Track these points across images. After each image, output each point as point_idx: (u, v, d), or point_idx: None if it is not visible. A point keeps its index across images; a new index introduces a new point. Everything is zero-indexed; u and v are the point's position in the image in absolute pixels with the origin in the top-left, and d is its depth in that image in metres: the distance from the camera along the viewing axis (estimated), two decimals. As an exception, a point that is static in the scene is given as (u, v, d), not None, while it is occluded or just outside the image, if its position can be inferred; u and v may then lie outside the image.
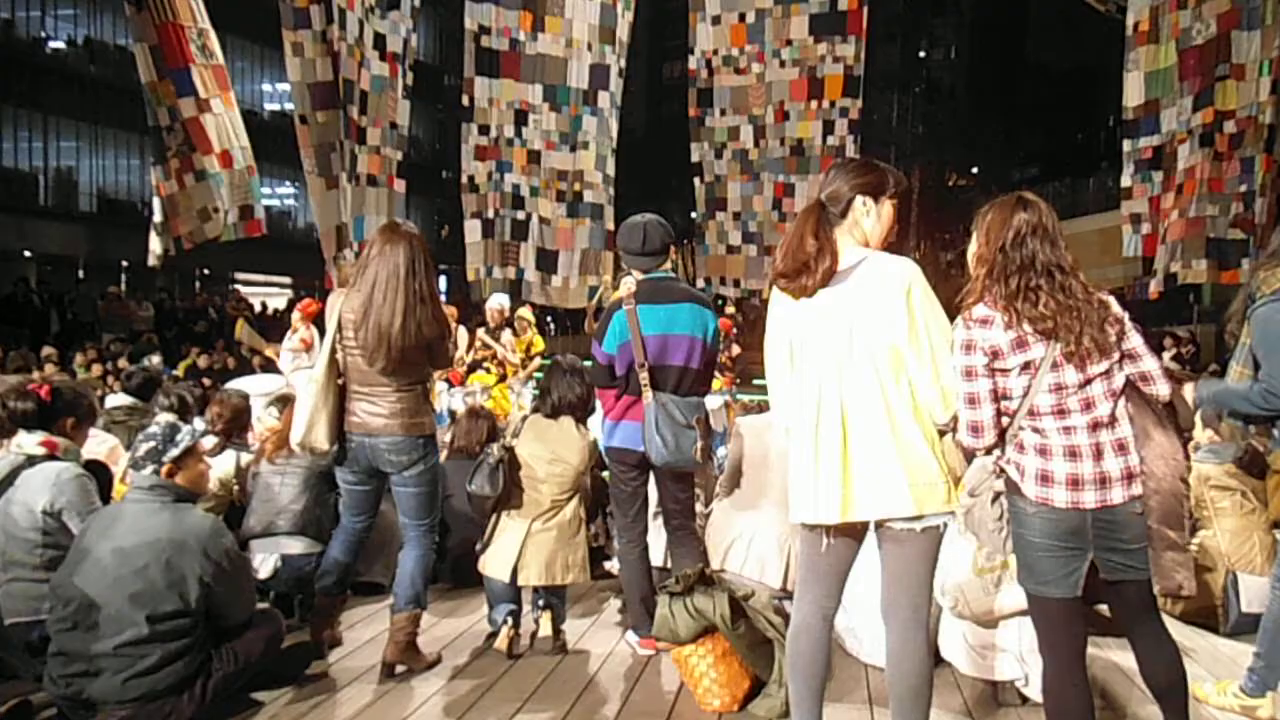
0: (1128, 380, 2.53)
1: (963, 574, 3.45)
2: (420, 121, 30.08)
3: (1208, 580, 4.18)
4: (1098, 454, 2.47)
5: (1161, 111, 9.54)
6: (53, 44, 23.69)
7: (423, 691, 3.62)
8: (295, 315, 8.56)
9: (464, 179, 11.71)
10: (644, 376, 3.77)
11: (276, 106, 27.42)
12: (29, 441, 3.65)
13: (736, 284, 13.34)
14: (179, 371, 12.28)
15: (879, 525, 2.61)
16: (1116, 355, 2.50)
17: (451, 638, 4.21)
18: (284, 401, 4.88)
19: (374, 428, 3.62)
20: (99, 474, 3.77)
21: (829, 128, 12.53)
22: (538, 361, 9.25)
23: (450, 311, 9.07)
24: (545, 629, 4.01)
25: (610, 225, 11.87)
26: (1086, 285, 2.52)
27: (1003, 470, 2.59)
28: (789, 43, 12.52)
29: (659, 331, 3.80)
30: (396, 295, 3.51)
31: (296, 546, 4.36)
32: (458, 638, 4.22)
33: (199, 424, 3.61)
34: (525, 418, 4.24)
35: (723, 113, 12.99)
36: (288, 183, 28.46)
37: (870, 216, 2.66)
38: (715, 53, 12.86)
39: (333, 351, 3.64)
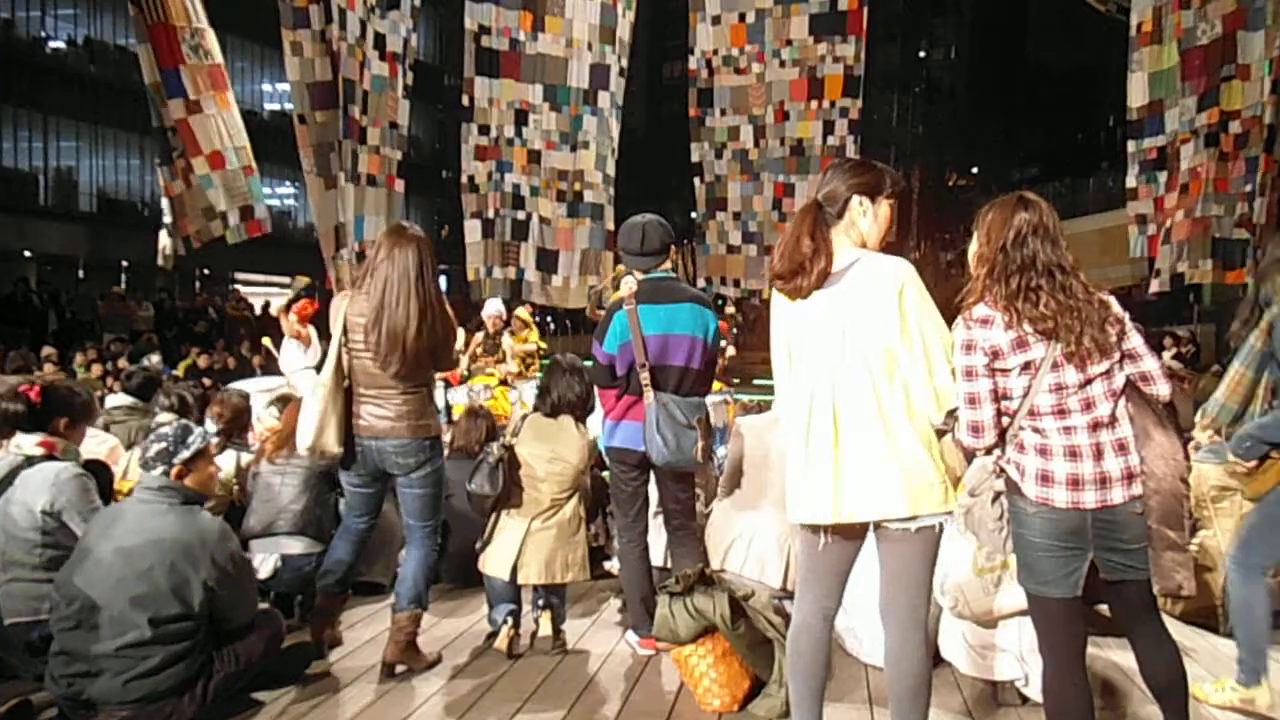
0: (1128, 380, 2.52)
1: (963, 574, 3.44)
2: (420, 121, 30.09)
3: (1207, 580, 4.17)
4: (1098, 454, 2.47)
5: (1165, 112, 9.54)
6: (53, 44, 23.69)
7: (423, 691, 3.62)
8: (293, 318, 8.53)
9: (464, 179, 11.71)
10: (645, 376, 3.77)
11: (276, 106, 27.42)
12: (27, 442, 3.65)
13: (737, 284, 13.35)
14: (179, 371, 12.27)
15: (877, 526, 2.61)
16: (1117, 355, 2.50)
17: (451, 638, 4.21)
18: (284, 401, 4.88)
19: (381, 430, 3.62)
20: (99, 474, 3.77)
21: (829, 128, 12.53)
22: (538, 361, 9.25)
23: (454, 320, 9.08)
24: (545, 629, 4.01)
25: (610, 225, 11.87)
26: (1087, 285, 2.52)
27: (1003, 470, 2.59)
28: (789, 43, 12.52)
29: (660, 331, 3.80)
30: (410, 299, 3.51)
31: (297, 546, 4.36)
32: (458, 638, 4.22)
33: (210, 426, 3.60)
34: (525, 416, 4.25)
35: (723, 113, 12.99)
36: (288, 183, 28.46)
37: (867, 217, 2.66)
38: (715, 53, 12.86)
39: (339, 355, 3.64)
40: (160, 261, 8.66)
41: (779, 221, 12.74)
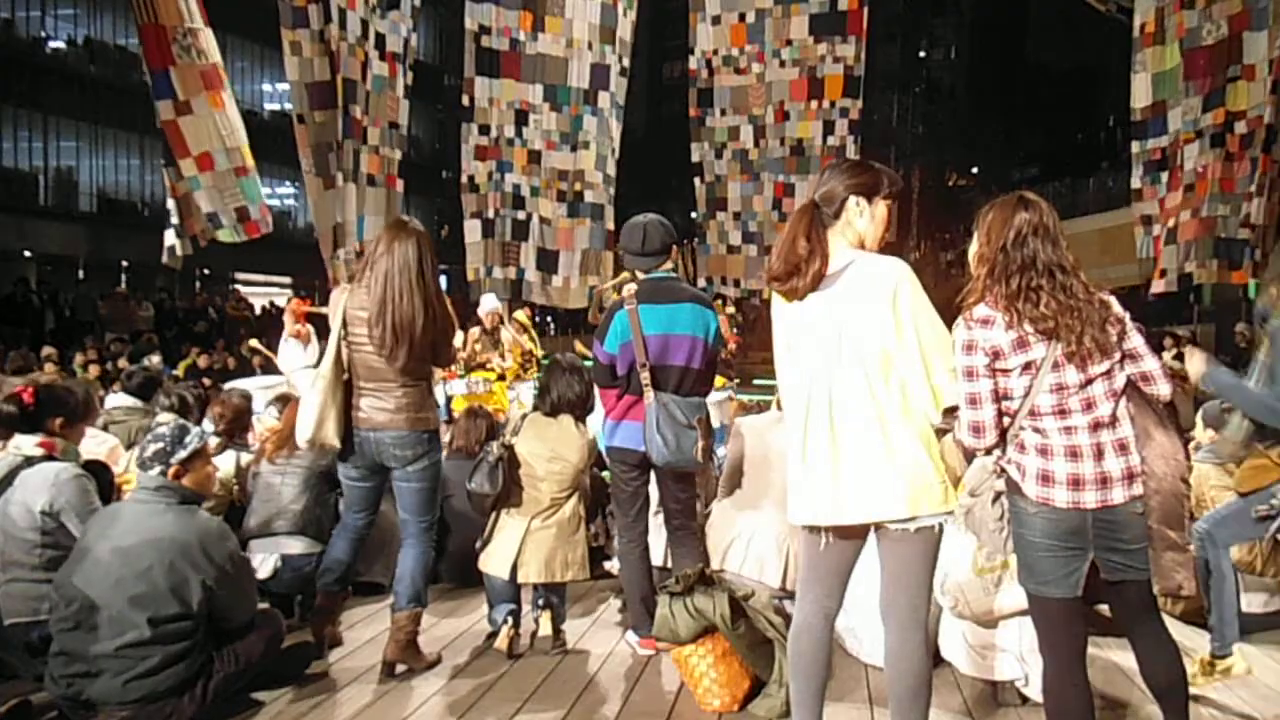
0: (1129, 380, 2.52)
1: (963, 574, 3.44)
2: (420, 121, 30.08)
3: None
4: (1099, 454, 2.47)
5: (1168, 112, 9.55)
6: (53, 44, 23.67)
7: (423, 691, 3.62)
8: (287, 317, 8.51)
9: (464, 179, 11.71)
10: (645, 376, 3.77)
11: (276, 106, 27.41)
12: (26, 443, 3.64)
13: (737, 284, 13.35)
14: (179, 371, 12.26)
15: (877, 526, 2.61)
16: (1117, 355, 2.50)
17: (451, 638, 4.21)
18: (284, 401, 4.88)
19: (379, 422, 3.63)
20: (99, 474, 3.77)
21: (829, 128, 12.53)
22: (535, 363, 9.26)
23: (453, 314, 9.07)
24: (545, 629, 4.01)
25: (610, 225, 11.87)
26: (1088, 285, 2.51)
27: (1003, 470, 2.58)
28: (789, 43, 12.52)
29: (660, 331, 3.80)
30: (414, 292, 3.52)
31: (297, 546, 4.36)
32: (458, 638, 4.22)
33: (208, 426, 3.60)
34: (525, 416, 4.25)
35: (723, 113, 12.99)
36: (288, 183, 28.44)
37: (864, 217, 2.66)
38: (715, 53, 12.86)
39: (338, 348, 3.64)
40: (166, 260, 8.61)
41: (779, 221, 12.74)
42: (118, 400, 5.50)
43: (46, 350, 11.96)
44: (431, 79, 29.61)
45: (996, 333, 2.50)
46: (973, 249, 2.66)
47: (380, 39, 9.64)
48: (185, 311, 18.10)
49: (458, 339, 8.72)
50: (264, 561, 4.33)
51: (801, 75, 12.55)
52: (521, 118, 11.63)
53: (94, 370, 11.10)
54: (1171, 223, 9.34)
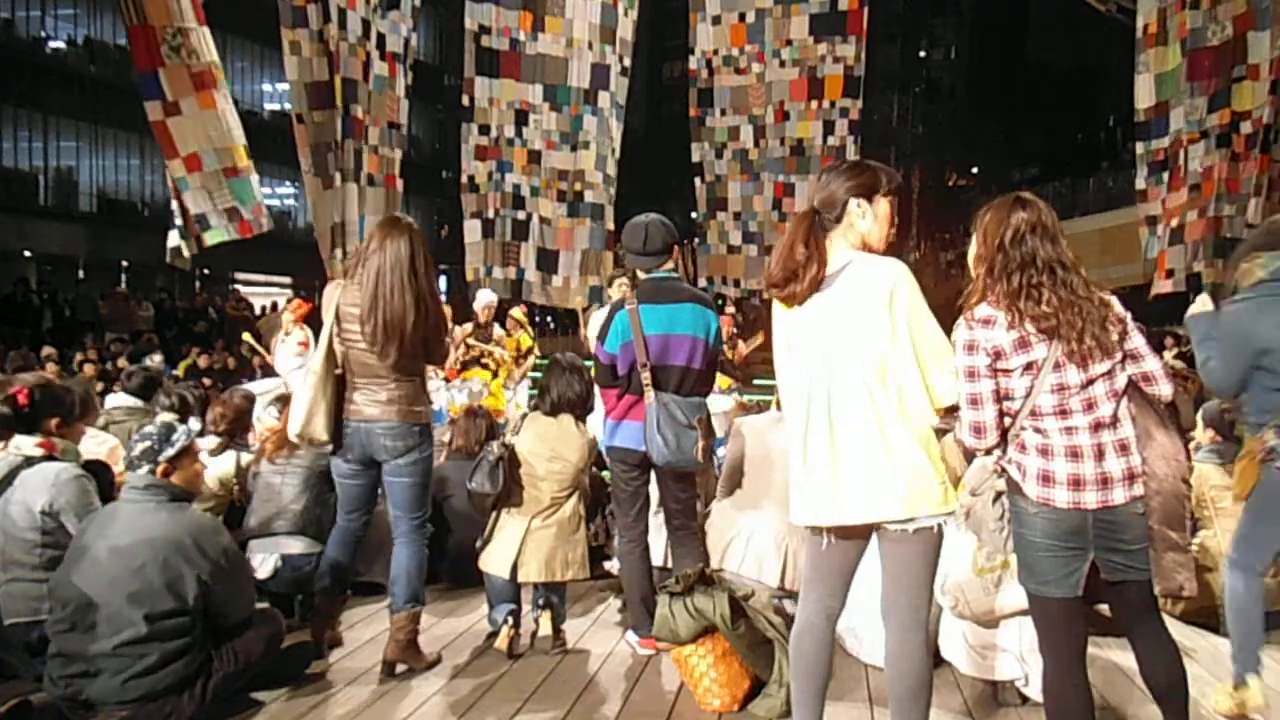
0: (1130, 380, 2.52)
1: (963, 574, 3.44)
2: (420, 121, 30.10)
3: (1208, 580, 4.17)
4: (1099, 454, 2.47)
5: (1170, 112, 9.56)
6: (53, 44, 23.67)
7: (423, 691, 3.61)
8: (286, 317, 8.51)
9: (464, 179, 11.72)
10: (646, 376, 3.77)
11: (276, 106, 27.42)
12: (26, 443, 3.64)
13: (737, 284, 13.35)
14: (179, 371, 12.26)
15: (876, 526, 2.61)
16: (1119, 355, 2.50)
17: (451, 638, 4.21)
18: (283, 401, 4.88)
19: (371, 415, 3.63)
20: (99, 474, 3.76)
21: (829, 128, 12.53)
22: (531, 360, 9.26)
23: (445, 311, 9.08)
24: (545, 629, 4.01)
25: (610, 225, 11.88)
26: (1089, 282, 2.51)
27: (1004, 470, 2.58)
28: (789, 43, 12.52)
29: (661, 331, 3.80)
30: (405, 288, 3.52)
31: (297, 546, 4.36)
32: (458, 638, 4.22)
33: (194, 424, 3.60)
34: (525, 415, 4.24)
35: (723, 113, 13.00)
36: (288, 183, 28.45)
37: (866, 218, 2.66)
38: (715, 53, 12.87)
39: (330, 343, 3.65)
40: (171, 260, 8.59)
41: (779, 221, 12.75)
42: (118, 400, 5.50)
43: (46, 350, 11.95)
44: (431, 79, 29.61)
45: (998, 333, 2.50)
46: (972, 250, 2.66)
47: (381, 39, 9.64)
48: (185, 311, 18.09)
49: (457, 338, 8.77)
50: (264, 561, 4.33)
51: (801, 75, 12.55)
52: (521, 118, 11.63)
53: (89, 370, 11.08)
54: (1175, 222, 9.35)
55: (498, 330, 9.10)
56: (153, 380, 5.61)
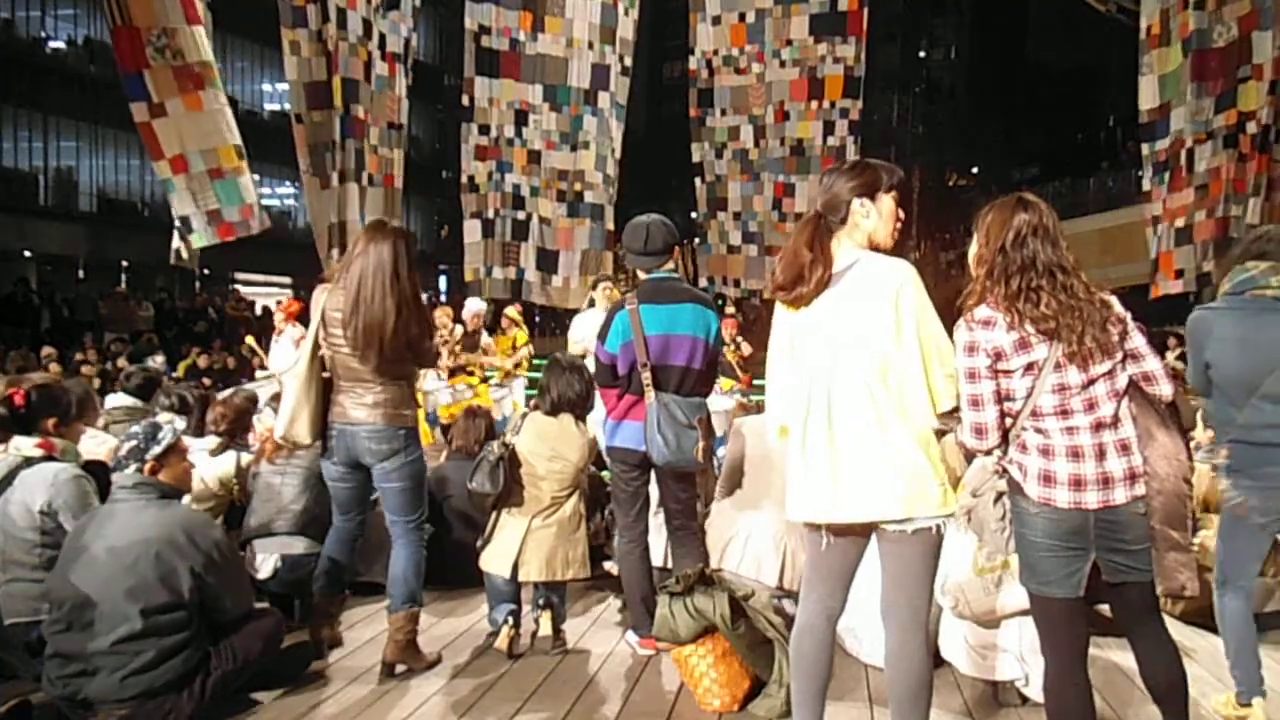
0: (1131, 380, 2.52)
1: (963, 574, 3.44)
2: (420, 121, 30.10)
3: (1209, 580, 4.16)
4: (1100, 454, 2.47)
5: (1171, 113, 9.58)
6: (53, 44, 23.68)
7: (423, 691, 3.61)
8: (278, 317, 8.52)
9: (464, 179, 11.72)
10: (646, 376, 3.77)
11: (276, 106, 27.41)
12: (26, 444, 3.64)
13: (737, 284, 13.36)
14: (179, 372, 12.27)
15: (876, 527, 2.61)
16: (1119, 355, 2.49)
17: (451, 638, 4.20)
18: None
19: (357, 418, 3.64)
20: (99, 475, 3.76)
21: (829, 128, 12.54)
22: (524, 352, 9.28)
23: (446, 312, 9.09)
24: (545, 628, 4.01)
25: (611, 225, 11.88)
26: (1088, 285, 2.51)
27: (1004, 470, 2.58)
28: (789, 43, 12.53)
29: (661, 331, 3.80)
30: (385, 294, 3.51)
31: (297, 546, 4.35)
32: (458, 638, 4.21)
33: (180, 422, 3.61)
34: (525, 415, 4.24)
35: (723, 113, 13.00)
36: (288, 183, 28.45)
37: (870, 217, 2.66)
38: (715, 53, 12.87)
39: (315, 346, 3.65)
40: (174, 261, 8.58)
41: (779, 221, 12.75)
42: (118, 400, 5.49)
43: (46, 350, 11.95)
44: (431, 79, 29.62)
45: (998, 334, 2.49)
46: (972, 250, 2.66)
47: (382, 38, 9.64)
48: (185, 311, 18.09)
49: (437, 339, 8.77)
50: (264, 561, 4.33)
51: (801, 75, 12.56)
52: (521, 118, 11.64)
53: (88, 370, 11.08)
54: (1181, 222, 9.36)
55: (485, 338, 9.11)
56: (152, 380, 5.61)
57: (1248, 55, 8.84)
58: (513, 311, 9.92)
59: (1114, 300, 2.54)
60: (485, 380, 8.92)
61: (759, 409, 6.87)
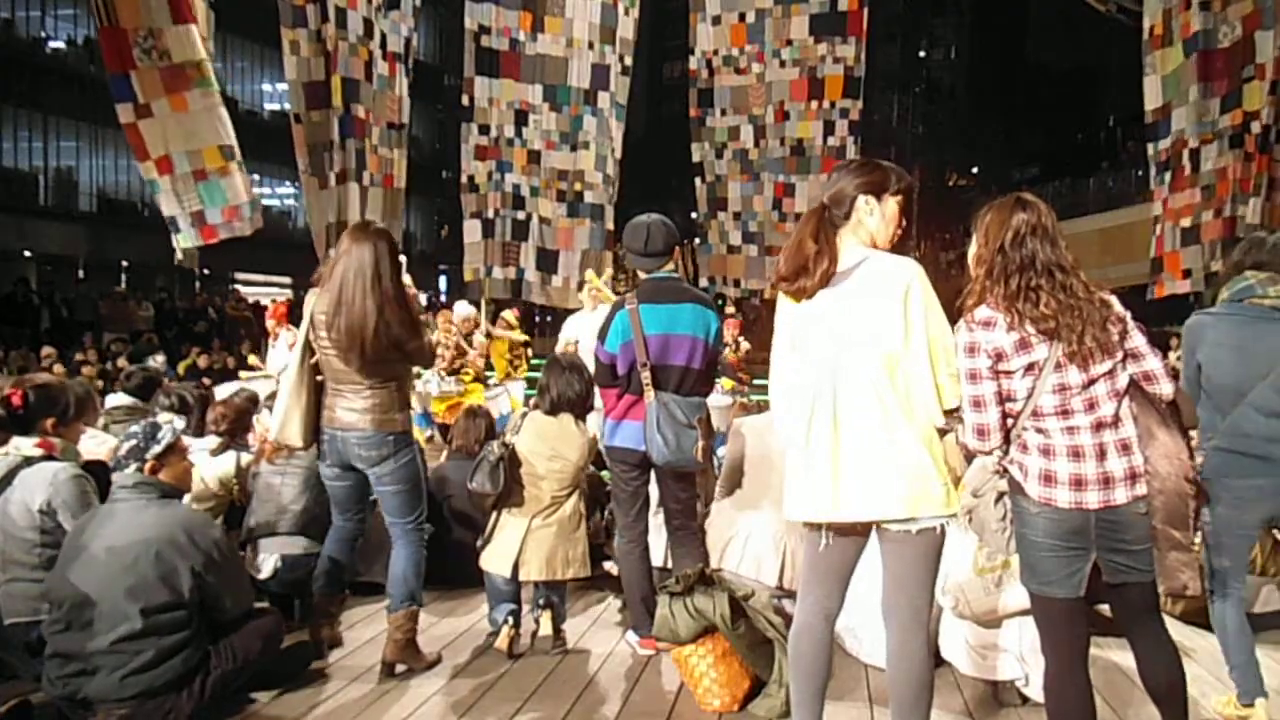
0: (1131, 380, 2.52)
1: (963, 574, 3.44)
2: (420, 121, 30.04)
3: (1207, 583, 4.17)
4: (1101, 454, 2.46)
5: (1172, 113, 9.61)
6: (53, 44, 23.66)
7: (423, 691, 3.61)
8: (270, 322, 8.53)
9: (464, 179, 11.72)
10: (646, 376, 3.77)
11: (276, 106, 27.41)
12: (25, 444, 3.64)
13: (737, 284, 13.36)
14: (179, 371, 12.27)
15: (878, 527, 2.60)
16: (1120, 355, 2.49)
17: (451, 638, 4.20)
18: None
19: (346, 423, 3.64)
20: (99, 475, 3.76)
21: (829, 128, 12.54)
22: (518, 337, 9.31)
23: (447, 316, 9.10)
24: (545, 628, 4.01)
25: (610, 225, 11.88)
26: (1088, 284, 2.51)
27: (1005, 470, 2.58)
28: (789, 43, 12.54)
29: (661, 331, 3.80)
30: (365, 295, 3.51)
31: (297, 546, 4.35)
32: (458, 638, 4.21)
33: (180, 422, 3.61)
34: (525, 414, 4.24)
35: (723, 113, 13.01)
36: (288, 183, 28.44)
37: (874, 216, 2.65)
38: (715, 53, 12.88)
39: (305, 349, 3.66)
40: (180, 258, 8.58)
41: (779, 221, 12.76)
42: (118, 400, 5.49)
43: (46, 350, 11.95)
44: (431, 79, 29.60)
45: (998, 334, 2.49)
46: (971, 251, 2.66)
47: (383, 38, 9.64)
48: (185, 311, 18.08)
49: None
50: (264, 561, 4.33)
51: (801, 75, 12.56)
52: (521, 118, 11.64)
53: (89, 370, 11.08)
54: (1188, 222, 9.38)
55: (479, 337, 9.12)
56: (152, 380, 5.61)
57: (1251, 55, 8.87)
58: (510, 315, 9.93)
59: (1113, 299, 2.54)
60: (478, 380, 8.94)
61: (759, 409, 6.87)
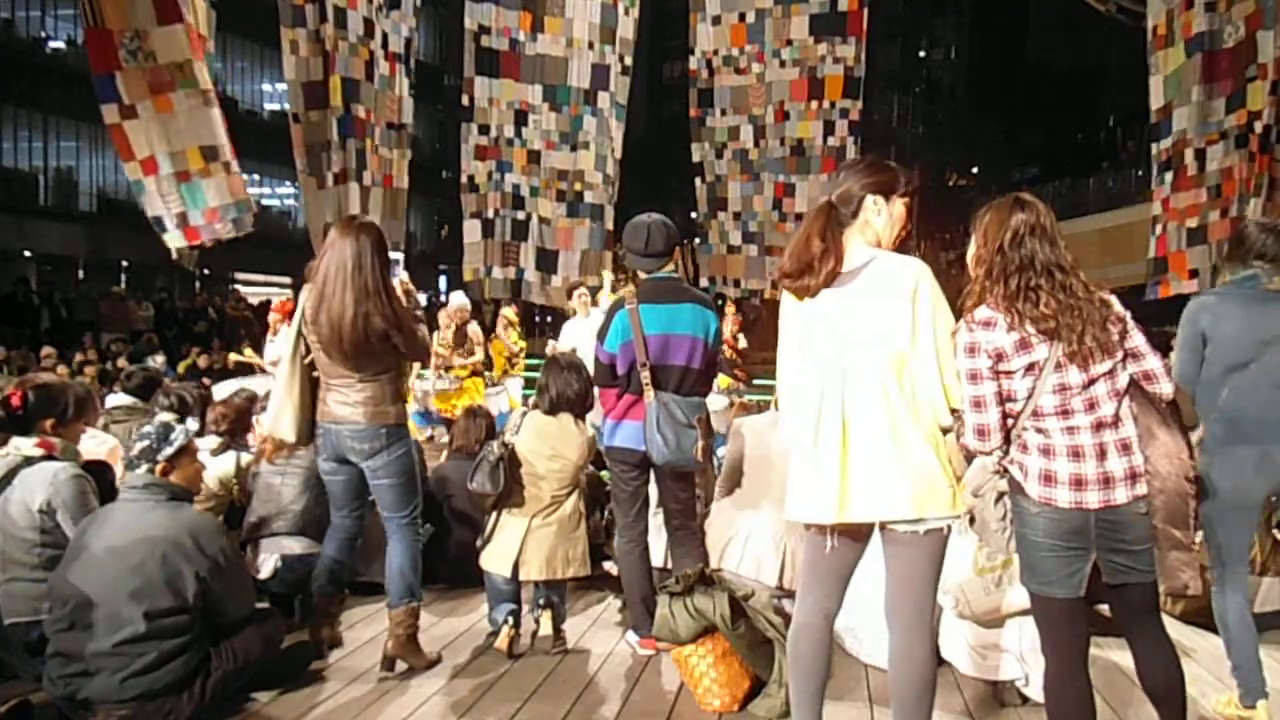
0: (1131, 379, 2.52)
1: (963, 574, 3.44)
2: (420, 121, 30.00)
3: (1209, 579, 4.17)
4: (1101, 454, 2.46)
5: (1174, 113, 9.62)
6: (53, 44, 23.64)
7: (423, 691, 3.61)
8: (273, 316, 8.55)
9: (464, 179, 11.74)
10: (645, 376, 3.77)
11: (276, 106, 27.40)
12: (25, 444, 3.64)
13: (737, 284, 13.36)
14: (179, 371, 12.26)
15: (882, 528, 2.60)
16: (1120, 354, 2.49)
17: (451, 638, 4.20)
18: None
19: (339, 416, 3.65)
20: (100, 475, 3.76)
21: (829, 128, 12.55)
22: (523, 358, 9.32)
23: (447, 313, 9.09)
24: (545, 628, 4.01)
25: (610, 225, 11.89)
26: (1087, 284, 2.51)
27: (1005, 470, 2.58)
28: (789, 43, 12.54)
29: (661, 331, 3.80)
30: (345, 288, 3.51)
31: (297, 546, 4.35)
32: (458, 638, 4.21)
33: (192, 424, 3.62)
34: (524, 414, 4.24)
35: (723, 113, 13.01)
36: (288, 183, 28.43)
37: (881, 216, 2.65)
38: (715, 53, 12.88)
39: (297, 343, 3.68)
40: (175, 257, 8.58)
41: (779, 221, 12.77)
42: (118, 400, 5.49)
43: (46, 350, 11.94)
44: (431, 79, 29.57)
45: (999, 334, 2.49)
46: (971, 251, 2.66)
47: (385, 38, 9.65)
48: (185, 311, 18.08)
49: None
50: (264, 561, 4.33)
51: (801, 75, 12.57)
52: (521, 118, 11.65)
53: (91, 370, 11.08)
54: (1194, 222, 9.40)
55: (473, 327, 9.13)
56: (152, 380, 5.61)
57: (1253, 55, 8.89)
58: (509, 312, 9.93)
59: (1113, 299, 2.53)
60: (474, 374, 8.96)
61: (759, 409, 6.87)
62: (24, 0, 22.77)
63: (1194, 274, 9.45)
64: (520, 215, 11.78)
